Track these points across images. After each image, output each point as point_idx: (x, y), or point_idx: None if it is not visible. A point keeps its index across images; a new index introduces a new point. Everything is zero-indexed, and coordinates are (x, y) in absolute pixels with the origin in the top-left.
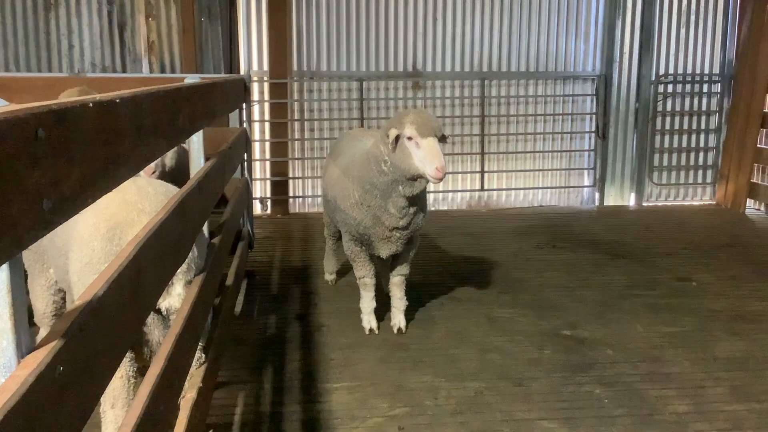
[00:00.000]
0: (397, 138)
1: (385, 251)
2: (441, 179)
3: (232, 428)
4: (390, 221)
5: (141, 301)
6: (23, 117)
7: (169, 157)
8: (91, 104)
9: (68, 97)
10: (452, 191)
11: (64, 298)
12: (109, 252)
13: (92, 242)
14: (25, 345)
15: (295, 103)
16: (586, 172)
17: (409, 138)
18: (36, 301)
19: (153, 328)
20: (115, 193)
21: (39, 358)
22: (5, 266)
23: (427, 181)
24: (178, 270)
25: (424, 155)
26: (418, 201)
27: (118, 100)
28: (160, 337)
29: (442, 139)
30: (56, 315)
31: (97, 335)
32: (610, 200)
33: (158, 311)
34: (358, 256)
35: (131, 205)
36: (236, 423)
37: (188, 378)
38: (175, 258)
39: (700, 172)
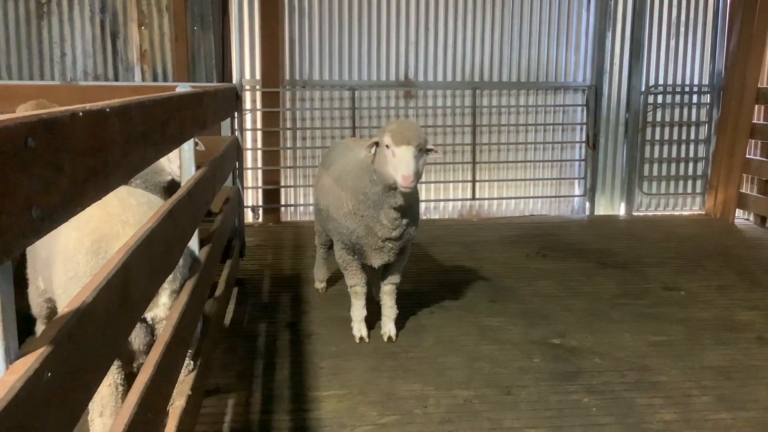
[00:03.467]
0: (378, 146)
1: (377, 261)
2: (409, 188)
3: None
4: (383, 232)
5: (130, 308)
6: (13, 126)
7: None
8: (81, 113)
9: (24, 109)
10: (443, 200)
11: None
12: (95, 266)
13: (77, 256)
14: (14, 351)
15: (287, 111)
16: (576, 181)
17: (387, 146)
18: (33, 307)
19: (135, 336)
20: (96, 206)
21: (27, 363)
22: None
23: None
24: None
25: (396, 163)
26: (410, 212)
27: (107, 110)
28: (142, 346)
29: (426, 151)
30: (49, 319)
31: (85, 342)
32: (601, 210)
33: (143, 320)
34: (350, 264)
35: (114, 217)
36: (225, 431)
37: (177, 386)
38: (164, 266)
39: (690, 182)
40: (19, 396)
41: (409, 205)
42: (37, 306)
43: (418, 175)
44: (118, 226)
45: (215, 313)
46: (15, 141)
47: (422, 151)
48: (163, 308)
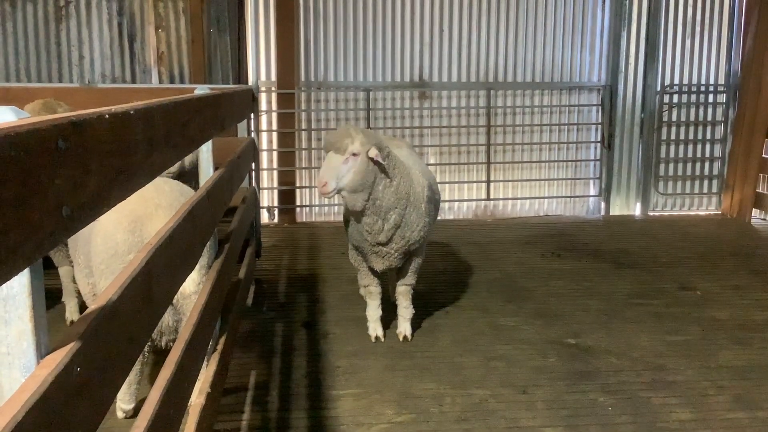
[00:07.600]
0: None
1: (378, 265)
2: (323, 194)
3: None
4: (370, 237)
5: (153, 305)
6: (45, 128)
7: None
8: (107, 116)
9: (32, 109)
10: (458, 200)
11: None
12: (132, 243)
13: (116, 235)
14: (44, 346)
15: (303, 113)
16: (591, 181)
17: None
18: (82, 288)
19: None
20: None
21: (57, 359)
22: (26, 270)
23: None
24: None
25: None
26: (393, 216)
27: (132, 112)
28: (172, 322)
29: (354, 154)
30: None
31: (112, 338)
32: (616, 210)
33: None
34: (362, 265)
35: (149, 200)
36: (243, 428)
37: (197, 383)
38: (185, 264)
39: (706, 182)
40: (50, 390)
41: (358, 209)
42: (86, 286)
43: (336, 181)
44: (152, 208)
45: (233, 313)
46: (47, 142)
47: (353, 155)
48: (192, 283)
